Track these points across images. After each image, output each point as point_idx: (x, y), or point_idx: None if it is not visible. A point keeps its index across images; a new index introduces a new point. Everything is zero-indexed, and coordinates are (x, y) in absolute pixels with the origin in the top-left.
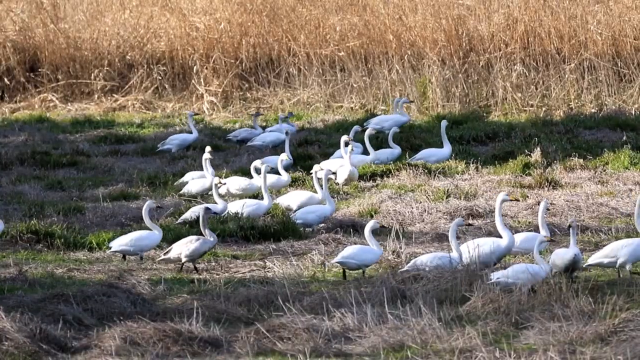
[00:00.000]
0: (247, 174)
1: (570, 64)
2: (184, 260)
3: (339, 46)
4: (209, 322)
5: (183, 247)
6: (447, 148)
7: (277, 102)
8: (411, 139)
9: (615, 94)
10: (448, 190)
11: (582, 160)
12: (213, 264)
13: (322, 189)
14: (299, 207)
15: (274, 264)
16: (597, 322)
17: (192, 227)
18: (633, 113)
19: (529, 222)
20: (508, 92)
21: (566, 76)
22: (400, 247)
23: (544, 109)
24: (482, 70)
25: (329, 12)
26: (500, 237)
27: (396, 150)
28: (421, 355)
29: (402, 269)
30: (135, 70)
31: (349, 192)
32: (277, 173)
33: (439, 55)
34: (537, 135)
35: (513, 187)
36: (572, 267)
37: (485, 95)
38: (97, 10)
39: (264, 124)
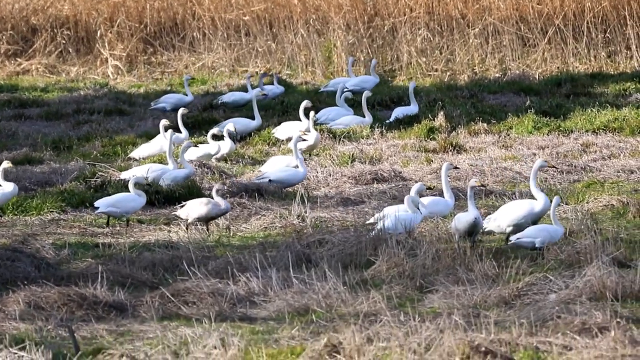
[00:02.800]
0: (151, 138)
1: (474, 29)
2: (191, 220)
3: (243, 10)
4: (114, 286)
5: (196, 208)
6: (414, 107)
7: (182, 66)
8: (316, 103)
9: (519, 58)
10: (353, 154)
11: (486, 124)
12: (118, 228)
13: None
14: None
15: (179, 228)
16: (501, 286)
17: (97, 190)
18: (536, 77)
19: (434, 187)
20: (413, 56)
21: (470, 41)
22: (305, 211)
23: (448, 73)
24: (387, 35)
25: None
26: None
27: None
28: (326, 319)
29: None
30: (39, 34)
31: (253, 157)
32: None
33: (344, 20)
34: (442, 99)
35: (418, 151)
36: (472, 230)
37: (390, 59)
38: None
39: (169, 87)
